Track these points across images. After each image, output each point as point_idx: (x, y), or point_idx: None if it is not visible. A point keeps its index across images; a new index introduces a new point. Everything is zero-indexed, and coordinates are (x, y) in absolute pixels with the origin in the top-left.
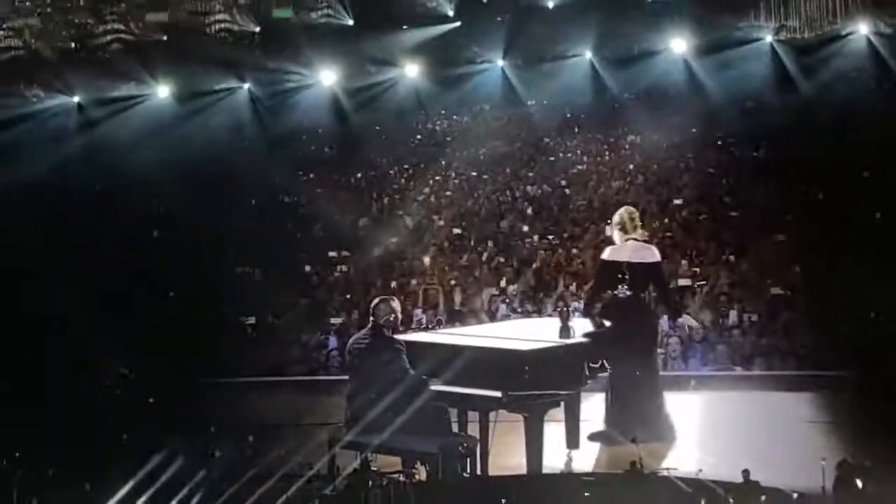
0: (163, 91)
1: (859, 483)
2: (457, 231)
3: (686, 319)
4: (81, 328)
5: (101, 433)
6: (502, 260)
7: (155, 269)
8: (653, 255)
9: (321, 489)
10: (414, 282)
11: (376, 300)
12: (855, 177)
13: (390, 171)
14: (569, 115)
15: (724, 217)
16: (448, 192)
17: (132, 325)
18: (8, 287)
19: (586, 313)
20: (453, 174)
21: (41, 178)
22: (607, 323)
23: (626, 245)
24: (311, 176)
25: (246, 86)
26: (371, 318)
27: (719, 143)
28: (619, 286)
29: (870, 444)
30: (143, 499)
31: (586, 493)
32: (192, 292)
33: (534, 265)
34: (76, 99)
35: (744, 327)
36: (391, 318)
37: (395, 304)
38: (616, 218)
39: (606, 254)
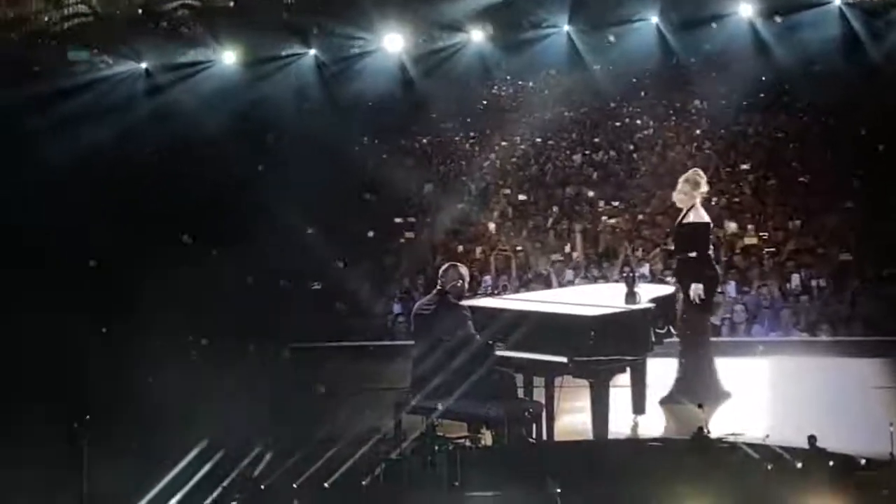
0: (229, 57)
1: None
2: (522, 197)
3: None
4: (153, 294)
5: (174, 397)
6: (568, 226)
7: (222, 234)
8: (705, 216)
9: (387, 454)
10: (479, 248)
11: (445, 266)
12: None
13: (455, 137)
14: (634, 80)
15: (792, 182)
16: (513, 158)
17: (200, 290)
18: (81, 256)
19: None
20: (519, 140)
21: (110, 144)
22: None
23: (695, 206)
24: (376, 142)
25: (312, 51)
26: (438, 284)
27: (787, 107)
28: (689, 248)
29: None
30: (209, 464)
31: (653, 459)
32: (259, 257)
33: (599, 231)
34: (144, 65)
35: (811, 293)
36: (458, 284)
37: (464, 269)
38: (687, 179)
39: (690, 217)
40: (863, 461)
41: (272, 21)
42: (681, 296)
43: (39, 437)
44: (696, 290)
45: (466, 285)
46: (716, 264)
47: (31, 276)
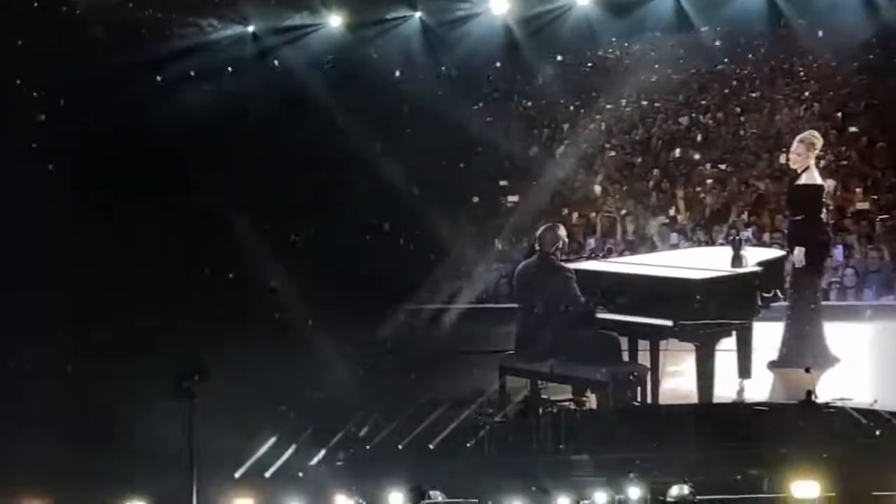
0: (335, 20)
1: None
2: (628, 160)
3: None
4: (262, 256)
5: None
6: (674, 189)
7: (331, 196)
8: (818, 179)
9: (491, 416)
10: (584, 211)
11: (542, 228)
12: None
13: (561, 100)
14: (742, 41)
15: None
16: (619, 121)
17: (307, 251)
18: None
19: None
20: (624, 102)
21: (218, 108)
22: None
23: (809, 168)
24: (481, 105)
25: (417, 14)
26: (537, 246)
27: None
28: (803, 210)
29: None
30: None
31: (759, 423)
32: (364, 219)
33: (706, 194)
34: (251, 28)
35: None
36: (558, 246)
37: (562, 231)
38: (802, 140)
39: (803, 179)
40: None
41: None
42: (790, 258)
43: (150, 393)
44: (799, 254)
45: (566, 246)
46: (827, 227)
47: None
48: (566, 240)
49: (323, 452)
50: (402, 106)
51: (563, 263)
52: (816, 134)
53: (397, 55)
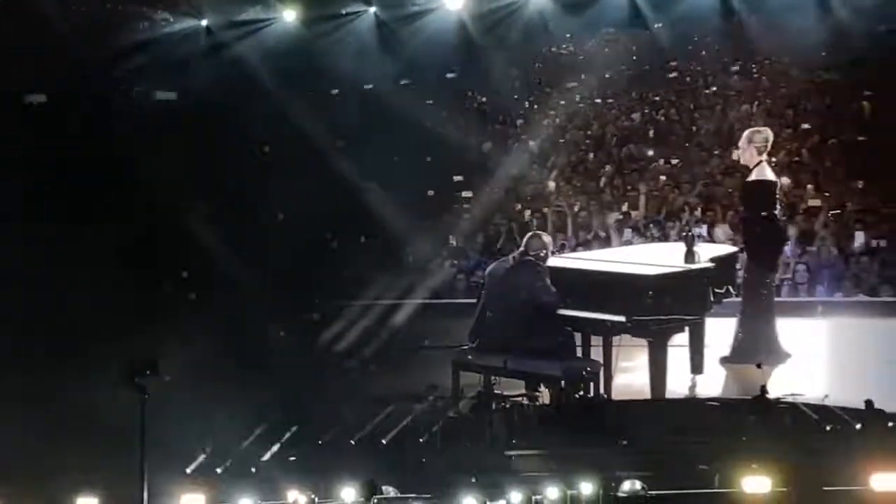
0: (289, 14)
1: None
2: (582, 156)
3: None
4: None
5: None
6: (627, 185)
7: (285, 191)
8: (771, 175)
9: (445, 411)
10: (537, 207)
11: (529, 234)
12: None
13: (515, 96)
14: (696, 39)
15: (853, 142)
16: (573, 117)
17: (261, 247)
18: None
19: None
20: (578, 98)
21: (172, 100)
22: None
23: (761, 164)
24: (436, 100)
25: (372, 9)
26: (521, 248)
27: (848, 66)
28: (755, 206)
29: None
30: (267, 421)
31: (711, 419)
32: (314, 214)
33: (659, 190)
34: (204, 22)
35: (873, 254)
36: (542, 253)
37: (547, 238)
38: (760, 136)
39: (755, 175)
40: None
41: None
42: (742, 255)
43: (101, 388)
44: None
45: (549, 253)
46: (780, 224)
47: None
48: (550, 247)
49: (276, 448)
50: (357, 101)
51: (540, 264)
52: (767, 131)
53: (351, 50)
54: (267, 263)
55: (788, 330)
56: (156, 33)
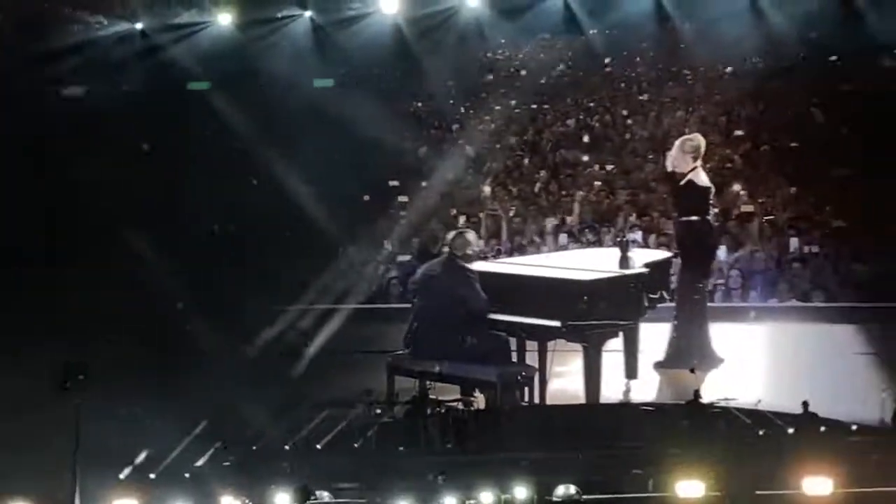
0: (224, 18)
1: None
2: (517, 161)
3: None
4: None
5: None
6: (562, 190)
7: (220, 194)
8: (705, 180)
9: (380, 416)
10: (472, 212)
11: (452, 233)
12: None
13: (451, 101)
14: (630, 44)
15: (786, 148)
16: (509, 122)
17: (194, 250)
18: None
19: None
20: (514, 103)
21: (105, 105)
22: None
23: (695, 170)
24: (371, 104)
25: (307, 13)
26: (447, 249)
27: (782, 74)
28: (689, 212)
29: None
30: (201, 426)
31: (645, 424)
32: (253, 218)
33: (594, 195)
34: (139, 26)
35: (806, 259)
36: (468, 252)
37: (472, 236)
38: (692, 143)
39: (690, 180)
40: (854, 427)
41: None
42: (676, 261)
43: (32, 392)
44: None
45: (475, 251)
46: (713, 229)
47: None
48: (475, 245)
49: (210, 452)
50: (292, 105)
51: (467, 265)
52: (699, 137)
53: (287, 54)
54: (202, 268)
55: (722, 335)
56: (90, 36)
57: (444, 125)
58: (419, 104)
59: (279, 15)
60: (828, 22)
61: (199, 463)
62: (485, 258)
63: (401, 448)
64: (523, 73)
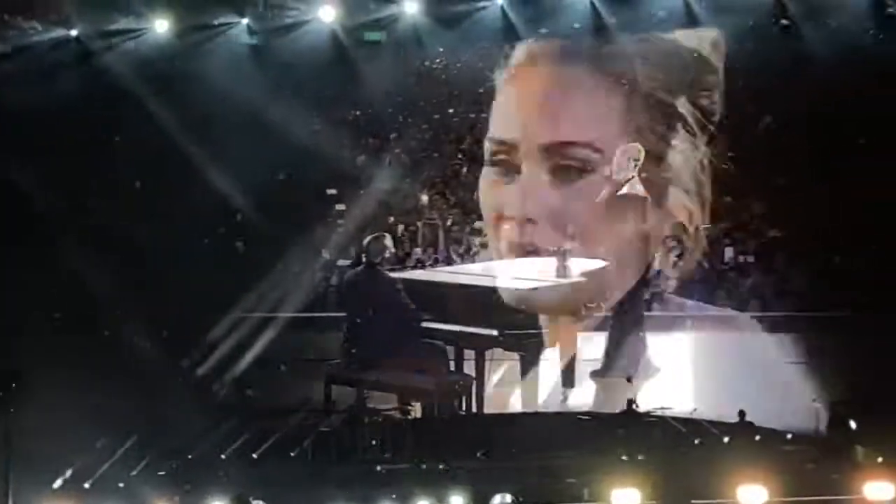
0: (161, 25)
1: (852, 423)
2: (455, 169)
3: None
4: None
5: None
6: None
7: (154, 204)
8: (643, 191)
9: (316, 425)
10: (410, 220)
11: (367, 238)
12: (856, 119)
13: (389, 109)
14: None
15: (722, 160)
16: (447, 130)
17: (129, 259)
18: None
19: None
20: (452, 111)
21: (40, 111)
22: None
23: (634, 181)
24: (309, 112)
25: (244, 20)
26: (364, 256)
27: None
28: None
29: (863, 384)
30: (136, 436)
31: (582, 432)
32: (188, 225)
33: None
34: (74, 32)
35: (740, 268)
36: (384, 256)
37: (388, 240)
38: (634, 155)
39: (626, 190)
40: (789, 436)
41: None
42: (613, 270)
43: None
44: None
45: (392, 255)
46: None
47: None
48: (392, 249)
49: (144, 462)
50: (228, 113)
51: (388, 273)
52: (640, 146)
53: (223, 61)
54: (135, 276)
55: (658, 344)
56: (24, 42)
57: (383, 134)
58: (357, 112)
59: (216, 22)
60: (763, 33)
61: (134, 472)
62: (422, 267)
63: (337, 457)
64: (462, 80)
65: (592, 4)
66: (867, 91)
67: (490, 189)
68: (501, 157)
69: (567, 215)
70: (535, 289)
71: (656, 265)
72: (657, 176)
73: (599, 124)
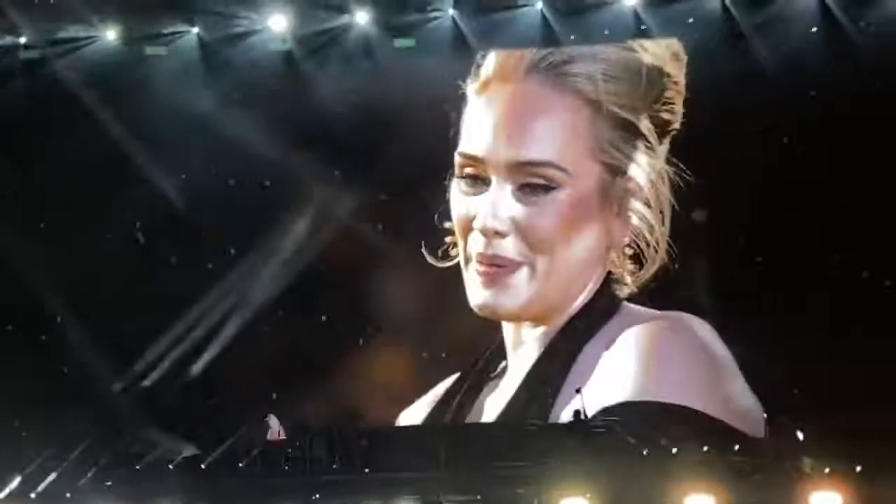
0: (110, 33)
1: (799, 434)
2: (417, 180)
3: None
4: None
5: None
6: None
7: (98, 215)
8: None
9: (266, 434)
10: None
11: None
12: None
13: (345, 116)
14: None
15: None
16: (409, 140)
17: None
18: None
19: None
20: (414, 120)
21: None
22: None
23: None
24: (260, 122)
25: (195, 30)
26: None
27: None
28: None
29: (811, 393)
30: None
31: (528, 442)
32: (132, 238)
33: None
34: (22, 40)
35: (693, 276)
36: None
37: None
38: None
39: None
40: (736, 447)
41: None
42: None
43: None
44: None
45: None
46: None
47: None
48: None
49: (92, 472)
50: (178, 123)
51: None
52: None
53: (173, 70)
54: (81, 284)
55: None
56: None
57: (337, 143)
58: (309, 124)
59: (166, 31)
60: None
61: (82, 482)
62: None
63: (287, 466)
64: (427, 89)
65: (544, 16)
66: (820, 99)
67: (459, 200)
68: (470, 170)
69: (532, 228)
70: (497, 297)
71: (616, 274)
72: (619, 189)
73: (563, 143)
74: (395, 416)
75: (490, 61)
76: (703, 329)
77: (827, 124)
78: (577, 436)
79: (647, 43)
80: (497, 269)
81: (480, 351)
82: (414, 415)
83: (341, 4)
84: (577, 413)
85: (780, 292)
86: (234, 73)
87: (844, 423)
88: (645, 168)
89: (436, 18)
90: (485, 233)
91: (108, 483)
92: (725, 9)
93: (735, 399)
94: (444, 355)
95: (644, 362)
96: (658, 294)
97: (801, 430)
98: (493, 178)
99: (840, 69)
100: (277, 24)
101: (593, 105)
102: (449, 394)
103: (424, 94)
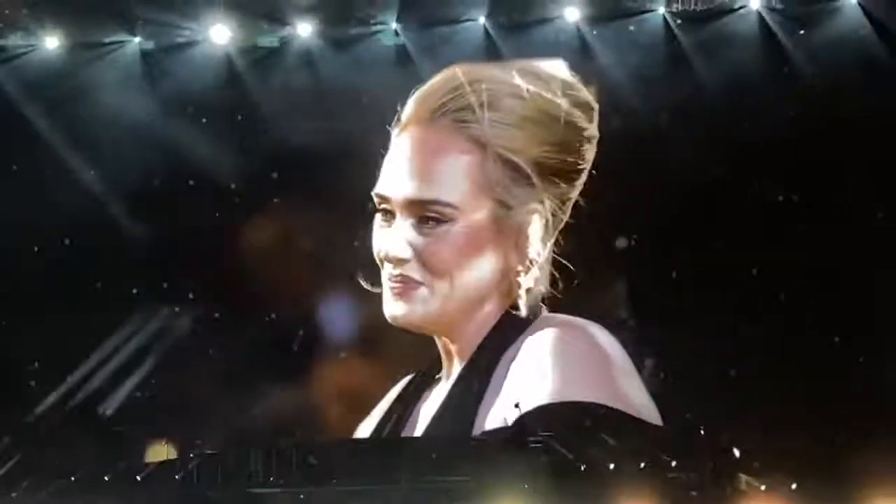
0: (51, 42)
1: (735, 450)
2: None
3: None
4: None
5: None
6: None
7: (37, 224)
8: None
9: (202, 447)
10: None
11: None
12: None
13: (287, 132)
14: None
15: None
16: (345, 157)
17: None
18: None
19: None
20: (346, 138)
21: None
22: None
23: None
24: (202, 135)
25: (136, 39)
26: None
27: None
28: None
29: (746, 409)
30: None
31: (468, 456)
32: (71, 244)
33: None
34: None
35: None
36: None
37: None
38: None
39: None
40: (674, 463)
41: (95, 3)
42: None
43: None
44: None
45: None
46: None
47: None
48: None
49: (26, 483)
50: (118, 134)
51: None
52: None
53: (114, 81)
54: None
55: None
56: None
57: (279, 159)
58: (254, 136)
59: (107, 40)
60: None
61: (15, 494)
62: None
63: (222, 480)
64: (355, 104)
65: (486, 31)
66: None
67: (376, 233)
68: (383, 206)
69: (430, 255)
70: (403, 308)
71: (520, 293)
72: (513, 222)
73: (455, 182)
74: (354, 426)
75: (409, 107)
76: (600, 332)
77: (764, 141)
78: (515, 450)
79: (561, 89)
80: (403, 285)
81: (426, 359)
82: (368, 425)
83: (283, 17)
84: (503, 424)
85: (710, 312)
86: (175, 82)
87: (780, 439)
88: (535, 204)
89: (379, 31)
90: (390, 260)
91: (42, 494)
92: (667, 26)
93: (631, 396)
94: (397, 364)
95: (544, 365)
96: (571, 309)
97: (738, 447)
98: (398, 213)
99: (779, 88)
100: (219, 35)
101: (483, 148)
102: (394, 403)
103: (363, 116)
